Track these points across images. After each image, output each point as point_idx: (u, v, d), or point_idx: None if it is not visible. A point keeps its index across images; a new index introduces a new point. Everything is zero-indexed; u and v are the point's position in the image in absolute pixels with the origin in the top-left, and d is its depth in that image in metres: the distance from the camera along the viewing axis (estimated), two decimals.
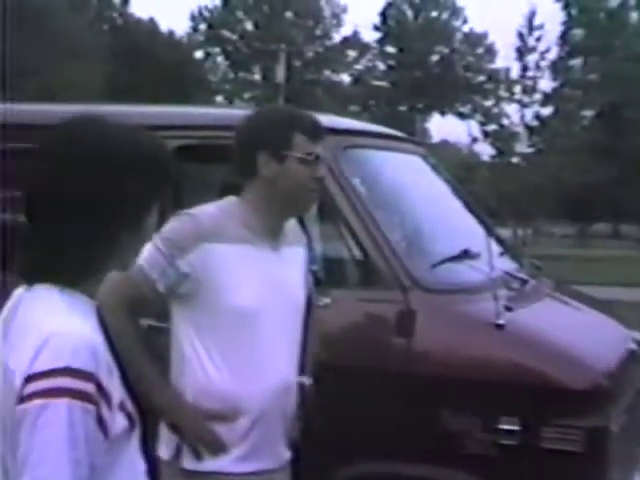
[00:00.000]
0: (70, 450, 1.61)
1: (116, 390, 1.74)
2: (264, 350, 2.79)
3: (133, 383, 2.54)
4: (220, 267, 2.72)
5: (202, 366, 2.77)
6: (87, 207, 1.75)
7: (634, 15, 68.23)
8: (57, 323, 1.68)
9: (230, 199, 2.90)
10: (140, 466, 1.87)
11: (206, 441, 2.77)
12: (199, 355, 2.78)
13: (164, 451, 2.82)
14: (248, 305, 2.74)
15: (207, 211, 2.81)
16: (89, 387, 1.64)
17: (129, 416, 1.78)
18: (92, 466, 1.66)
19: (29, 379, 1.63)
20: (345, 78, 76.66)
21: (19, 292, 1.81)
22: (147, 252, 2.67)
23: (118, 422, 1.73)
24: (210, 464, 2.77)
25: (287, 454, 2.96)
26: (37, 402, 1.61)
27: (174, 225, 2.77)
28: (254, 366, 2.78)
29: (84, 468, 1.63)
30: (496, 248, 4.46)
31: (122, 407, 1.76)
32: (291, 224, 3.00)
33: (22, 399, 1.63)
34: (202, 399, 2.76)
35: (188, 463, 2.77)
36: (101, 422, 1.67)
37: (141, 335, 2.81)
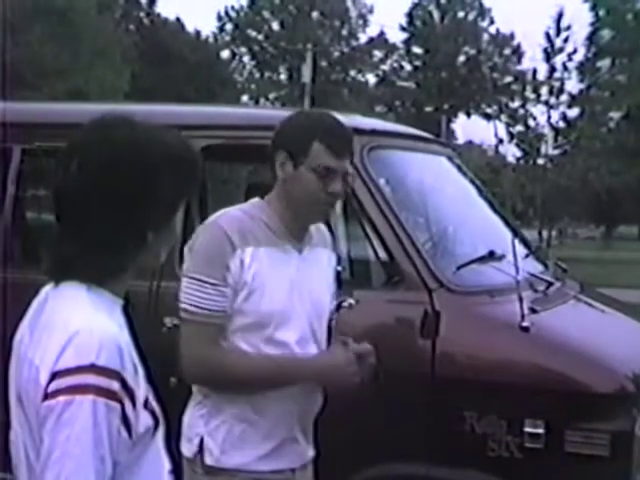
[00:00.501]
0: (94, 447, 1.61)
1: (141, 388, 1.74)
2: (288, 351, 2.79)
3: (290, 383, 2.69)
4: (250, 271, 2.72)
5: None
6: (116, 207, 1.75)
7: None
8: (83, 320, 1.69)
9: (253, 201, 2.90)
10: (164, 465, 1.88)
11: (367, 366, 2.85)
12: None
13: (187, 449, 2.83)
14: (275, 309, 2.75)
15: (230, 216, 2.81)
16: (114, 385, 1.64)
17: (153, 414, 1.79)
18: (115, 463, 1.66)
19: (54, 376, 1.64)
20: (371, 78, 76.70)
21: (46, 289, 1.82)
22: (197, 287, 2.71)
23: (142, 420, 1.74)
24: (233, 460, 2.77)
25: (310, 453, 2.97)
26: (62, 399, 1.62)
27: (206, 244, 2.76)
28: None
29: (108, 465, 1.64)
30: (521, 250, 4.44)
31: (146, 405, 1.76)
32: (318, 226, 3.00)
33: (47, 396, 1.64)
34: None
35: (211, 460, 2.77)
36: (125, 420, 1.67)
37: (240, 354, 2.80)
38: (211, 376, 2.76)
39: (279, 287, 2.77)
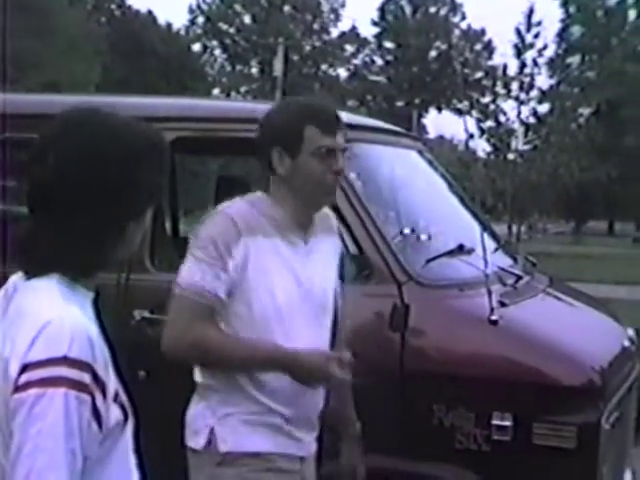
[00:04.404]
0: (66, 440, 1.60)
1: (111, 381, 1.73)
2: (294, 343, 2.77)
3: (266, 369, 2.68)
4: (256, 262, 2.72)
5: None
6: (96, 199, 1.74)
7: (632, 13, 68.21)
8: (54, 311, 1.67)
9: (256, 194, 2.89)
10: (132, 460, 1.87)
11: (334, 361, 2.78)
12: None
13: (194, 442, 2.81)
14: (281, 301, 2.75)
15: (237, 206, 2.80)
16: (85, 377, 1.63)
17: (123, 408, 1.78)
18: (85, 458, 1.65)
19: (25, 368, 1.62)
20: (343, 72, 76.85)
21: (14, 280, 1.81)
22: (193, 264, 2.71)
23: (112, 414, 1.73)
24: (249, 445, 2.77)
25: (314, 447, 2.98)
26: (33, 391, 1.60)
27: (212, 227, 2.76)
28: None
29: (78, 459, 1.62)
30: (491, 244, 4.46)
31: (116, 399, 1.75)
32: (323, 214, 2.99)
33: (17, 388, 1.62)
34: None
35: (225, 446, 2.75)
36: (96, 412, 1.66)
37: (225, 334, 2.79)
38: (190, 351, 2.74)
39: (285, 279, 2.77)
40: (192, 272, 2.71)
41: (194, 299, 2.70)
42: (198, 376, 2.85)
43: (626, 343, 4.46)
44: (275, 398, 2.78)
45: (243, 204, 2.82)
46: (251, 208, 2.80)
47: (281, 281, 2.76)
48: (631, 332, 4.69)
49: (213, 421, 2.77)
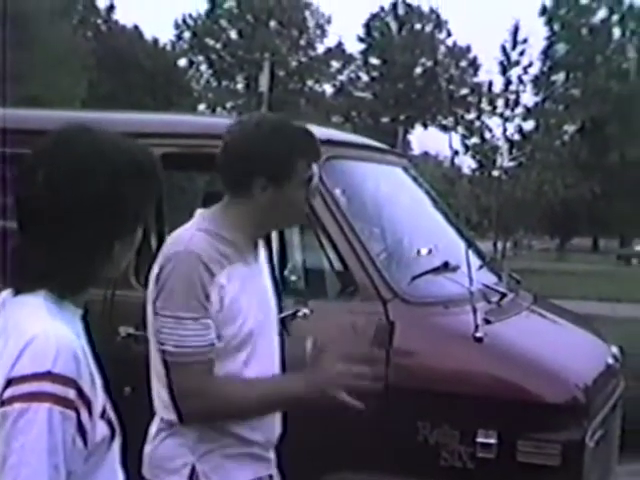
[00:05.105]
0: (49, 456, 1.60)
1: (98, 398, 1.73)
2: (262, 363, 2.75)
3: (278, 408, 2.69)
4: (229, 293, 2.62)
5: None
6: (84, 217, 1.74)
7: (617, 31, 68.71)
8: (40, 327, 1.67)
9: (203, 215, 2.76)
10: (119, 476, 1.86)
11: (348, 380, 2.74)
12: None
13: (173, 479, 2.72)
14: (253, 327, 2.68)
15: (199, 238, 2.63)
16: (70, 393, 1.63)
17: (110, 424, 1.78)
18: (70, 473, 1.65)
19: (10, 382, 1.62)
20: (328, 88, 77.02)
21: (3, 295, 1.80)
22: (179, 326, 2.57)
23: (99, 430, 1.72)
24: (232, 477, 2.71)
25: (273, 456, 2.93)
26: (17, 406, 1.60)
27: (183, 274, 2.58)
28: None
29: (62, 474, 1.62)
30: (476, 261, 4.47)
31: (103, 415, 1.75)
32: None
33: (2, 402, 1.62)
34: None
35: None
36: (81, 428, 1.66)
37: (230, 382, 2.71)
38: (212, 408, 2.65)
39: (252, 304, 2.69)
40: (178, 334, 2.59)
41: (193, 360, 2.60)
42: (165, 413, 2.73)
43: (610, 360, 4.48)
44: (249, 428, 2.73)
45: (199, 235, 2.65)
46: (207, 235, 2.65)
47: (250, 307, 2.68)
48: (615, 349, 4.71)
49: (194, 459, 2.68)
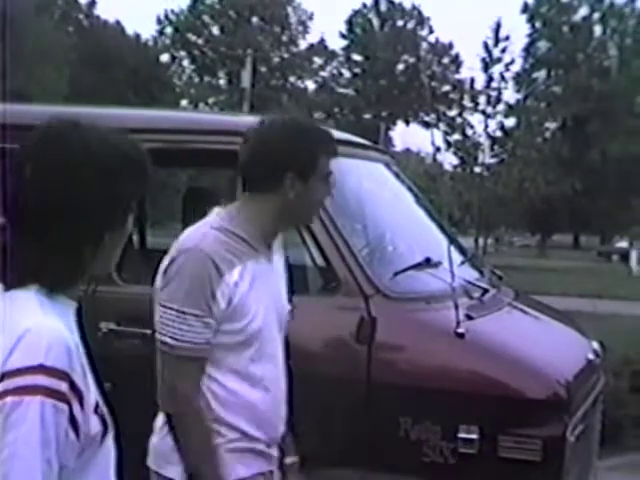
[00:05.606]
0: (42, 449, 1.60)
1: (91, 392, 1.73)
2: (269, 361, 2.81)
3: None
4: (237, 293, 2.69)
5: (219, 388, 2.76)
6: (73, 210, 1.74)
7: (598, 29, 68.98)
8: (31, 321, 1.67)
9: (219, 214, 2.83)
10: (112, 472, 1.86)
11: None
12: (215, 379, 2.76)
13: (175, 471, 2.76)
14: (262, 325, 2.75)
15: (212, 237, 2.72)
16: (62, 386, 1.63)
17: (103, 420, 1.78)
18: (62, 467, 1.65)
19: (3, 376, 1.62)
20: (310, 85, 76.99)
21: None
22: (181, 320, 2.65)
23: (92, 425, 1.72)
24: (236, 473, 2.77)
25: (277, 454, 2.98)
26: (10, 399, 1.60)
27: (191, 271, 2.66)
28: (266, 382, 2.81)
29: (54, 468, 1.62)
30: (457, 257, 4.48)
31: (97, 410, 1.75)
32: None
33: None
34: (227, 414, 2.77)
35: None
36: (73, 421, 1.66)
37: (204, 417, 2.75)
38: (177, 412, 2.71)
39: (262, 303, 2.76)
40: (177, 328, 2.66)
41: (187, 355, 2.67)
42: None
43: (591, 356, 4.49)
44: (255, 425, 2.80)
45: (213, 232, 2.74)
46: (220, 234, 2.73)
47: (260, 304, 2.75)
48: (596, 345, 4.73)
49: None
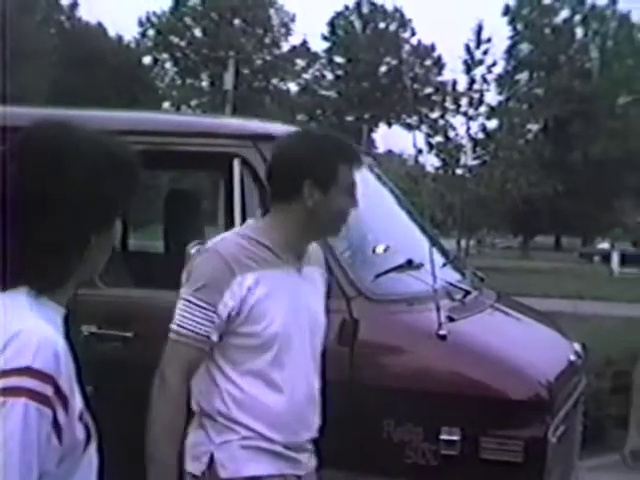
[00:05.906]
0: (22, 452, 1.59)
1: (76, 399, 1.72)
2: (290, 367, 2.86)
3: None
4: (254, 295, 2.77)
5: (235, 390, 2.83)
6: (59, 210, 1.74)
7: (579, 31, 69.23)
8: (22, 324, 1.67)
9: (251, 224, 2.97)
10: None
11: None
12: (232, 381, 2.83)
13: (195, 466, 2.86)
14: (279, 331, 2.80)
15: (230, 241, 2.86)
16: (48, 389, 1.62)
17: (87, 428, 1.77)
18: (43, 474, 1.64)
19: None
20: (293, 87, 77.00)
21: None
22: (186, 308, 2.77)
23: (77, 432, 1.72)
24: (249, 471, 2.82)
25: (313, 462, 3.06)
26: None
27: (201, 268, 2.81)
28: (285, 386, 2.86)
29: (34, 472, 1.61)
30: (439, 259, 4.49)
31: (81, 418, 1.74)
32: (314, 246, 3.07)
33: None
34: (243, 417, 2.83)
35: (225, 473, 2.81)
36: (57, 426, 1.65)
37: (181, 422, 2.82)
38: (154, 394, 2.77)
39: (282, 309, 2.81)
40: (183, 316, 2.77)
41: (187, 343, 2.77)
42: (195, 405, 2.89)
43: (573, 357, 4.50)
44: (266, 425, 2.84)
45: (235, 238, 2.87)
46: (243, 240, 2.84)
47: (279, 311, 2.81)
48: (577, 346, 4.74)
49: (213, 447, 2.83)
